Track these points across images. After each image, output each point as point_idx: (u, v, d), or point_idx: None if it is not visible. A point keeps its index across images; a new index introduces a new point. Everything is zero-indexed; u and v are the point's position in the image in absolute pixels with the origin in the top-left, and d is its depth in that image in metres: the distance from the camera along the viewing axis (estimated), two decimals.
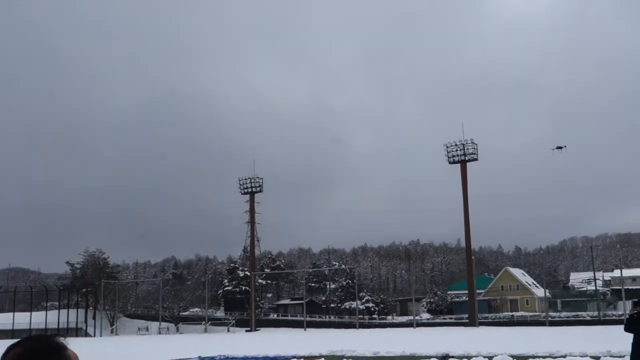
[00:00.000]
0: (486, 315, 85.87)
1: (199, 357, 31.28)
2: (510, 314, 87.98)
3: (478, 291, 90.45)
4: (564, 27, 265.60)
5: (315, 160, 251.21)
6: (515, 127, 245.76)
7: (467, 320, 76.78)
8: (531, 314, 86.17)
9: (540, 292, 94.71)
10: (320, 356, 27.57)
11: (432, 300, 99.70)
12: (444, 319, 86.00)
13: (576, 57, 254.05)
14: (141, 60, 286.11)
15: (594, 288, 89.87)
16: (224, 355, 31.36)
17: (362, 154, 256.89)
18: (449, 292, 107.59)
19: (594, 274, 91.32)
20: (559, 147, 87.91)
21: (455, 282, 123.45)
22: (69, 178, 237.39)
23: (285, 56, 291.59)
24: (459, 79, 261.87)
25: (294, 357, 27.26)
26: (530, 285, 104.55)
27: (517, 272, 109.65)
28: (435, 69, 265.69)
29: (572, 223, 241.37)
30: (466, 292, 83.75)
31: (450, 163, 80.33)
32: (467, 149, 79.09)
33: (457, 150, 79.62)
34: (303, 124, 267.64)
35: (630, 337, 11.13)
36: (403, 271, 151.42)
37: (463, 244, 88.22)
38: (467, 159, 79.30)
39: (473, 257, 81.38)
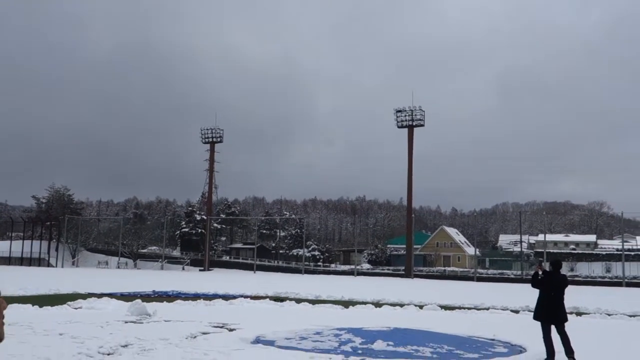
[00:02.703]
0: (421, 268, 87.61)
1: (153, 291, 31.15)
2: (443, 268, 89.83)
3: (415, 246, 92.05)
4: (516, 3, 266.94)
5: (278, 116, 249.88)
6: (462, 96, 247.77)
7: (404, 272, 78.10)
8: (461, 269, 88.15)
9: (471, 250, 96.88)
10: (266, 296, 27.72)
11: (373, 252, 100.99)
12: (383, 269, 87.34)
13: (524, 35, 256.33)
14: (122, 7, 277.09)
15: (519, 250, 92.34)
16: (177, 291, 31.30)
17: (323, 113, 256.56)
18: (388, 246, 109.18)
19: (521, 237, 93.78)
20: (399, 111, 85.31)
21: (395, 237, 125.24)
22: (42, 115, 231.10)
23: (259, 15, 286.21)
24: (416, 48, 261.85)
25: (242, 296, 27.36)
26: (462, 244, 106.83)
27: (452, 231, 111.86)
28: (398, 37, 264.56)
29: (505, 190, 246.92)
30: (404, 246, 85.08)
31: (399, 127, 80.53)
32: (415, 115, 79.30)
33: (405, 116, 79.76)
34: (270, 81, 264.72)
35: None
36: (348, 224, 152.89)
37: (405, 203, 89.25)
38: (414, 124, 79.57)
39: (413, 215, 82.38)
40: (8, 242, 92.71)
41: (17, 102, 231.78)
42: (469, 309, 23.87)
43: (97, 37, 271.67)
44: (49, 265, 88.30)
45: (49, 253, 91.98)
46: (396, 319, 18.64)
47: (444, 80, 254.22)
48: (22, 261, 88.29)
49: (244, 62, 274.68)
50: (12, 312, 17.68)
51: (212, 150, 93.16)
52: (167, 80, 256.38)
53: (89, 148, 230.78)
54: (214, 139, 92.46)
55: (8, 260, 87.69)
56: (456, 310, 23.22)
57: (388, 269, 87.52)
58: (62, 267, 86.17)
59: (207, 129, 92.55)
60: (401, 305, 24.36)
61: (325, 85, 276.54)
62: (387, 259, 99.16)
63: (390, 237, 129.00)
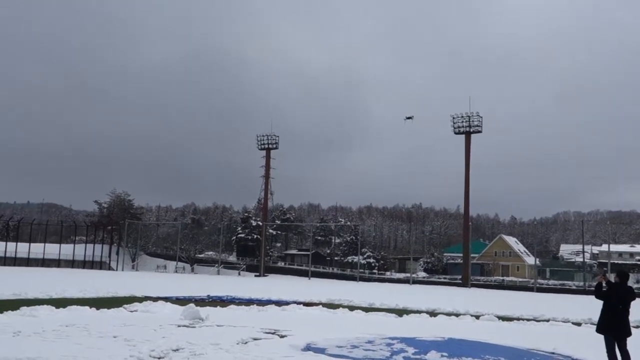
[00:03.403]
0: (478, 277, 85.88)
1: (208, 295, 31.39)
2: (501, 278, 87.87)
3: (472, 255, 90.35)
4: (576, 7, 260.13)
5: (333, 122, 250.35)
6: (523, 101, 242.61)
7: (460, 281, 76.77)
8: (521, 279, 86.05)
9: (530, 260, 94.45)
10: (320, 303, 27.56)
11: (429, 260, 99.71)
12: (439, 278, 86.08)
13: (584, 37, 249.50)
14: (178, 18, 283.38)
15: (582, 260, 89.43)
16: (231, 296, 31.47)
17: (378, 119, 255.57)
18: (445, 254, 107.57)
19: (583, 247, 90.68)
20: (409, 117, 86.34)
21: (452, 245, 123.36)
22: (104, 124, 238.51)
23: (315, 22, 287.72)
24: (474, 52, 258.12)
25: (295, 302, 27.26)
26: (522, 253, 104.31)
27: (511, 240, 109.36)
28: (454, 42, 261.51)
29: (567, 198, 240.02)
30: (461, 255, 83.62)
31: (455, 134, 79.40)
32: (473, 121, 78.02)
33: (462, 122, 78.57)
34: (326, 87, 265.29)
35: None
36: (404, 231, 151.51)
37: (462, 210, 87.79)
38: (471, 130, 78.28)
39: (470, 223, 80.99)
40: (72, 245, 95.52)
41: (83, 114, 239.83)
42: (528, 320, 23.10)
43: (153, 48, 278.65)
44: (109, 268, 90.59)
45: (110, 257, 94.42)
46: (451, 329, 18.17)
47: (501, 84, 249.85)
48: (84, 264, 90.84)
49: (299, 69, 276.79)
50: (70, 314, 18.10)
51: (267, 157, 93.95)
52: (224, 87, 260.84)
53: (150, 155, 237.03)
54: (270, 146, 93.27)
55: (72, 264, 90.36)
56: (514, 321, 22.51)
57: (444, 278, 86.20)
58: (122, 270, 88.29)
59: (262, 136, 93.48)
60: (457, 315, 23.78)
61: (381, 91, 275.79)
62: (444, 267, 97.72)
63: (447, 246, 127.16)
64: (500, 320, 22.40)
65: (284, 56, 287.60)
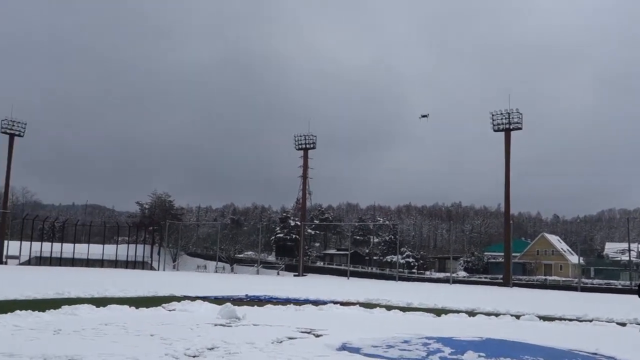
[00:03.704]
0: (520, 277, 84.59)
1: (246, 295, 31.58)
2: (544, 277, 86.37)
3: (514, 254, 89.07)
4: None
5: (371, 120, 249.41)
6: (562, 96, 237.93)
7: (502, 281, 75.71)
8: (564, 279, 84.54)
9: (574, 259, 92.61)
10: (357, 302, 27.44)
11: (469, 259, 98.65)
12: (479, 277, 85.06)
13: (630, 30, 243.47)
14: (213, 17, 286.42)
15: (628, 258, 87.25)
16: (269, 296, 31.59)
17: (416, 117, 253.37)
18: (485, 253, 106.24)
19: (629, 245, 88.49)
20: (424, 116, 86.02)
21: (493, 244, 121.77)
22: (145, 126, 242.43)
23: (350, 20, 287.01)
24: (513, 47, 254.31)
25: (332, 301, 27.20)
26: (565, 252, 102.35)
27: (554, 239, 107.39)
28: (491, 37, 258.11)
29: (611, 195, 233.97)
30: (502, 254, 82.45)
31: (495, 131, 78.32)
32: (512, 118, 76.85)
33: (502, 119, 77.47)
34: (362, 85, 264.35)
35: None
36: (444, 230, 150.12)
37: (503, 209, 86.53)
38: (511, 127, 77.12)
39: (511, 221, 79.78)
40: (114, 246, 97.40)
41: (123, 115, 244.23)
42: (571, 320, 22.57)
43: (192, 50, 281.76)
44: (151, 268, 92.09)
45: (151, 257, 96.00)
46: (490, 329, 17.85)
47: (541, 80, 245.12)
48: (127, 264, 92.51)
49: (335, 67, 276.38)
50: (110, 313, 18.38)
51: (305, 157, 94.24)
52: (262, 87, 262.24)
53: (190, 156, 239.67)
54: (307, 145, 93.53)
55: (114, 264, 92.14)
56: (556, 321, 22.01)
57: (485, 277, 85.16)
58: (164, 270, 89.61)
59: (300, 136, 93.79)
60: (496, 315, 23.38)
61: (418, 89, 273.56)
62: (484, 266, 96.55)
63: (488, 245, 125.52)
64: (542, 320, 21.93)
65: (321, 55, 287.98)
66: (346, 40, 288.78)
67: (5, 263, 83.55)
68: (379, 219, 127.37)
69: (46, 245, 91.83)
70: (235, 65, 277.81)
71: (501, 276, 78.54)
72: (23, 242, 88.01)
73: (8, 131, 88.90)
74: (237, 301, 26.07)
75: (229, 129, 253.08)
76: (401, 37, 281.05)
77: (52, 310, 17.37)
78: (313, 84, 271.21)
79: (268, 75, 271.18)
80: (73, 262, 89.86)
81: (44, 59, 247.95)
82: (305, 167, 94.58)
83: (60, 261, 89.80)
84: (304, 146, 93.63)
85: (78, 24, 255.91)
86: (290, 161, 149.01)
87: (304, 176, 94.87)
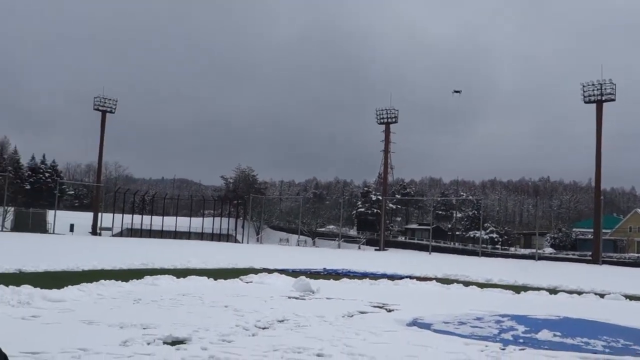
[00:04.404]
0: (611, 254, 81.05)
1: (324, 268, 31.88)
2: (637, 255, 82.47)
3: (605, 231, 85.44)
4: None
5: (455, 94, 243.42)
6: None
7: (590, 258, 72.97)
8: None
9: None
10: (434, 278, 27.18)
11: (556, 235, 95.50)
12: (567, 254, 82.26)
13: None
14: None
15: None
16: (347, 270, 31.76)
17: (503, 90, 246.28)
18: (574, 230, 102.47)
19: None
20: (457, 91, 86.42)
21: (582, 220, 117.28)
22: (231, 102, 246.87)
23: None
24: (606, 18, 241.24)
25: (409, 276, 27.05)
26: None
27: None
28: (581, 5, 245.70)
29: None
30: (592, 230, 79.30)
31: (585, 103, 74.93)
32: (605, 89, 73.15)
33: (593, 90, 73.91)
34: (448, 58, 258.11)
35: None
36: (530, 206, 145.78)
37: (594, 184, 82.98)
38: (604, 99, 73.46)
39: (602, 197, 76.50)
40: (200, 219, 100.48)
41: (211, 90, 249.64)
42: None
43: (274, 25, 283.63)
44: (235, 241, 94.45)
45: (235, 230, 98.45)
46: (570, 308, 17.24)
47: (636, 51, 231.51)
48: (212, 237, 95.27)
49: (421, 39, 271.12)
50: (189, 283, 19.00)
51: (387, 131, 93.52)
52: (344, 61, 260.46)
53: (273, 130, 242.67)
54: (389, 120, 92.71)
55: (201, 236, 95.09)
56: None
57: (573, 254, 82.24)
58: (248, 242, 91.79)
59: (382, 110, 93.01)
60: (579, 293, 22.52)
61: (505, 60, 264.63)
62: (573, 243, 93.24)
63: (577, 221, 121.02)
64: (628, 300, 20.99)
65: (406, 27, 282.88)
66: (434, 12, 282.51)
67: (100, 234, 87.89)
68: (462, 194, 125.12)
69: (137, 218, 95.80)
70: (318, 38, 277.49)
71: (590, 253, 75.66)
72: (115, 215, 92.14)
73: (100, 108, 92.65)
74: (315, 274, 26.40)
75: (313, 104, 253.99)
76: (490, 8, 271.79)
77: (134, 280, 18.13)
78: (399, 56, 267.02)
79: (351, 49, 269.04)
80: (162, 234, 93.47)
81: (135, 35, 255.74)
82: (387, 141, 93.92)
83: (150, 233, 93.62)
84: (385, 120, 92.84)
85: (166, 2, 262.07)
86: (373, 136, 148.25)
87: (386, 151, 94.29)
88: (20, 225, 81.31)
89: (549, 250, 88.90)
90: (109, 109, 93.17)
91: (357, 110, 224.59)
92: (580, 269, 52.67)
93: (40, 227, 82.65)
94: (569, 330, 12.20)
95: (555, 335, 11.62)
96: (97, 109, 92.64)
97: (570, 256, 79.89)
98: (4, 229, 79.60)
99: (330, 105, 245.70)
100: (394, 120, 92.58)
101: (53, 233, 79.40)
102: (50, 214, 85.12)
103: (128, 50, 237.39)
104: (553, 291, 23.32)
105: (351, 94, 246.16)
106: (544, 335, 11.66)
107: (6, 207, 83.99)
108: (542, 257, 75.23)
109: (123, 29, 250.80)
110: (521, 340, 11.07)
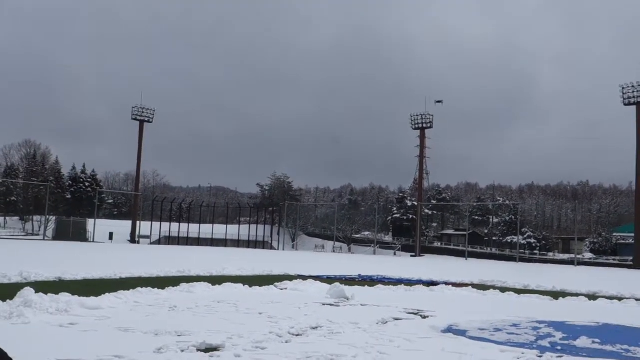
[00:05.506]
0: None
1: (359, 275, 31.76)
2: None
3: None
4: None
5: (494, 98, 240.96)
6: None
7: (632, 263, 71.26)
8: None
9: None
10: (470, 284, 26.82)
11: (596, 240, 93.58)
12: (607, 259, 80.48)
13: None
14: None
15: None
16: (382, 276, 31.58)
17: (541, 92, 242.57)
18: (614, 234, 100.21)
19: None
20: (438, 102, 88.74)
21: (623, 224, 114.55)
22: (267, 109, 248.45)
23: None
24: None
25: (445, 282, 26.75)
26: None
27: None
28: (622, 6, 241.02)
29: None
30: (633, 234, 77.42)
31: (625, 105, 73.39)
32: None
33: (633, 92, 72.37)
34: (485, 61, 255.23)
35: None
36: (569, 210, 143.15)
37: (635, 187, 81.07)
38: None
39: None
40: (237, 226, 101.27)
41: (247, 97, 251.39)
42: None
43: (310, 30, 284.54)
44: (271, 248, 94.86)
45: (271, 236, 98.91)
46: (609, 314, 16.81)
47: None
48: (248, 244, 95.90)
49: (457, 43, 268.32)
50: (224, 291, 19.10)
51: (422, 137, 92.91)
52: (379, 66, 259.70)
53: (308, 137, 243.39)
54: (424, 125, 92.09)
55: (237, 243, 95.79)
56: None
57: (613, 259, 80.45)
58: (283, 249, 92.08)
59: (416, 115, 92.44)
60: (619, 299, 21.97)
61: (543, 63, 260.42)
62: (613, 248, 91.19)
63: (617, 225, 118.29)
64: None
65: (443, 31, 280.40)
66: (472, 14, 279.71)
67: (138, 242, 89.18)
68: (498, 198, 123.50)
69: (174, 226, 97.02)
70: (354, 44, 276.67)
71: (631, 258, 73.91)
72: (153, 223, 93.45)
73: (138, 118, 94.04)
74: (349, 281, 26.30)
75: (348, 110, 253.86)
76: (529, 10, 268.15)
77: (170, 287, 18.29)
78: (435, 61, 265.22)
79: (388, 54, 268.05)
80: (199, 241, 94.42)
81: (171, 44, 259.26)
82: (422, 147, 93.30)
83: (187, 240, 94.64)
84: (420, 125, 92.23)
85: (205, 8, 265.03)
86: (408, 141, 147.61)
87: (421, 156, 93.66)
88: (61, 234, 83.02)
89: (588, 255, 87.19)
90: (146, 119, 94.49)
91: (392, 116, 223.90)
92: (620, 274, 51.42)
93: (80, 235, 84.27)
94: (608, 337, 11.90)
95: (594, 342, 11.35)
96: (135, 119, 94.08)
97: (611, 261, 78.20)
98: (46, 238, 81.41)
99: (364, 111, 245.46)
100: (429, 125, 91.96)
101: (93, 241, 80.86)
102: (90, 222, 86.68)
103: (166, 59, 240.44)
104: (592, 297, 22.79)
105: (385, 99, 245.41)
106: (583, 342, 11.38)
107: (48, 217, 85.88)
108: (581, 262, 73.77)
109: (161, 37, 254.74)
110: (559, 348, 10.82)
